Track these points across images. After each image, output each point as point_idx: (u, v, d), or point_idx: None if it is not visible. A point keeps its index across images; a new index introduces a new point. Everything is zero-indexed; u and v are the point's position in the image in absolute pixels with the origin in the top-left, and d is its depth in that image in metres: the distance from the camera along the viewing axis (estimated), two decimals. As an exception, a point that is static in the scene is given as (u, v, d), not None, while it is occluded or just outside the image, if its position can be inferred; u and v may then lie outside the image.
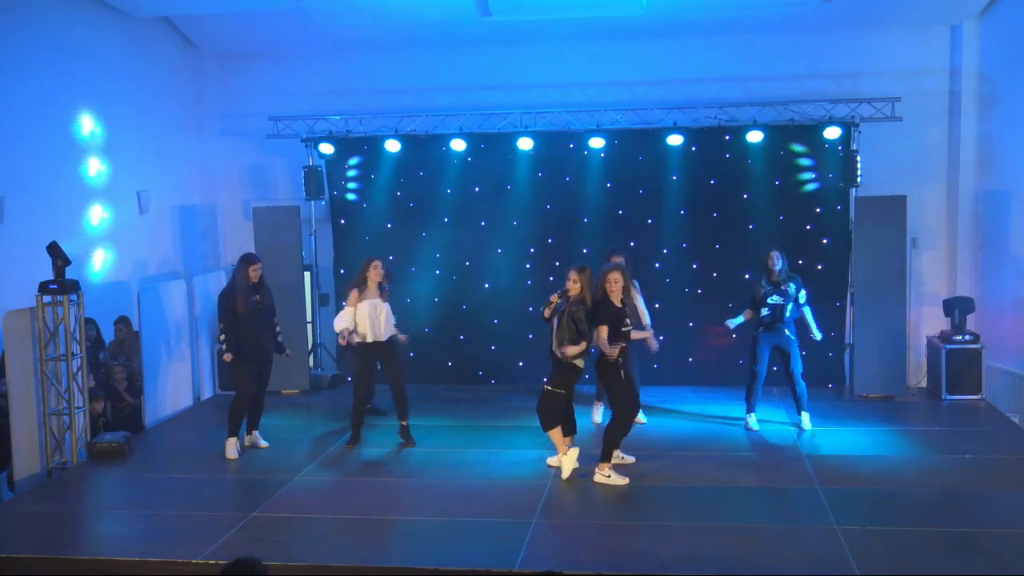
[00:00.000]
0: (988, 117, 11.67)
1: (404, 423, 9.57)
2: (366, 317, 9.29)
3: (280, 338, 9.61)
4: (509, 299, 12.23)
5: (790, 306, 9.65)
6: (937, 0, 11.43)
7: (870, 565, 6.39)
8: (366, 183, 12.52)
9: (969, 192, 11.85)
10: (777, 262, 9.66)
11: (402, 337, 9.52)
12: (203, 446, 9.66)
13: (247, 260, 9.32)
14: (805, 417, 9.86)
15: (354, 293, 9.37)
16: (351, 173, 12.54)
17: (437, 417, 10.50)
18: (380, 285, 9.41)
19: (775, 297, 9.64)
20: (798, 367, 9.74)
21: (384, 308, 9.36)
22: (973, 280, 11.87)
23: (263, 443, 9.57)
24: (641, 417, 10.18)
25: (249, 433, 9.56)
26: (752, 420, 9.88)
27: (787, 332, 9.70)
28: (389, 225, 12.48)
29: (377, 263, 9.47)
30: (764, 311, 9.68)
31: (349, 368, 11.21)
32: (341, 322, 9.39)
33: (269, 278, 11.81)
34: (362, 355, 9.42)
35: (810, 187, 11.77)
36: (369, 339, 9.32)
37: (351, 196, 12.59)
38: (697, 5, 11.47)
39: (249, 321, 9.21)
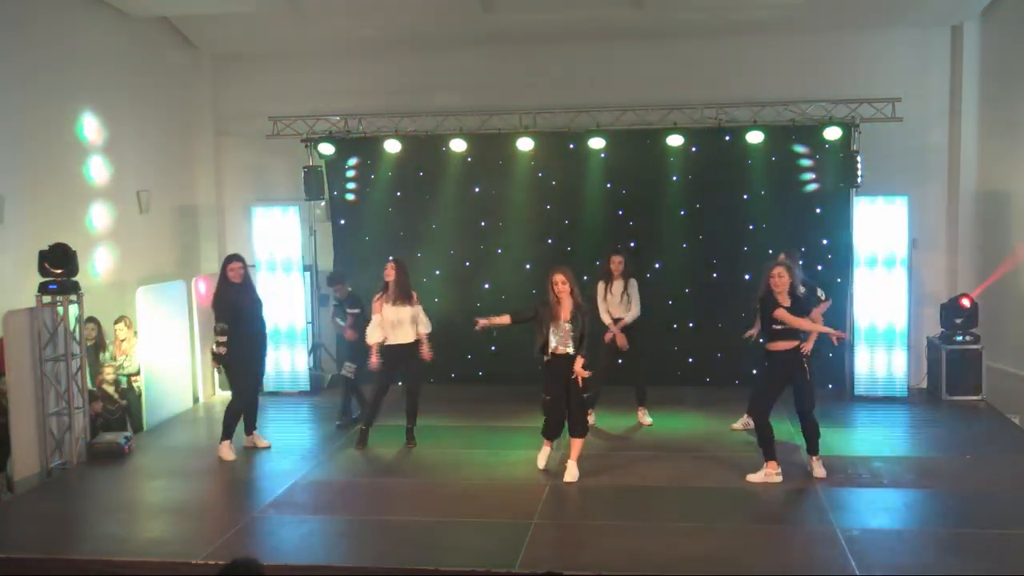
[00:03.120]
0: (988, 117, 11.66)
1: (410, 426, 9.60)
2: (387, 321, 9.32)
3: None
4: (509, 299, 12.19)
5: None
6: (937, 0, 11.43)
7: (870, 565, 6.39)
8: (366, 183, 12.52)
9: (969, 192, 11.85)
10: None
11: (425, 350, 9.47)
12: (203, 446, 9.66)
13: (227, 259, 9.35)
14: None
15: (378, 298, 9.39)
16: (351, 173, 12.54)
17: (437, 417, 10.50)
18: (399, 287, 9.35)
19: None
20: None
21: (405, 311, 9.31)
22: (973, 280, 11.86)
23: (264, 442, 9.56)
24: (647, 418, 10.19)
25: (249, 434, 9.56)
26: (740, 421, 9.88)
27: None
28: (389, 225, 12.47)
29: (389, 266, 9.44)
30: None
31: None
32: (371, 336, 9.38)
33: (269, 278, 11.92)
34: (382, 357, 9.39)
35: (810, 187, 11.76)
36: (388, 342, 9.34)
37: (351, 196, 12.59)
38: (697, 5, 11.47)
39: (247, 321, 9.20)
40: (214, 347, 9.30)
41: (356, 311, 10.34)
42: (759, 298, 8.30)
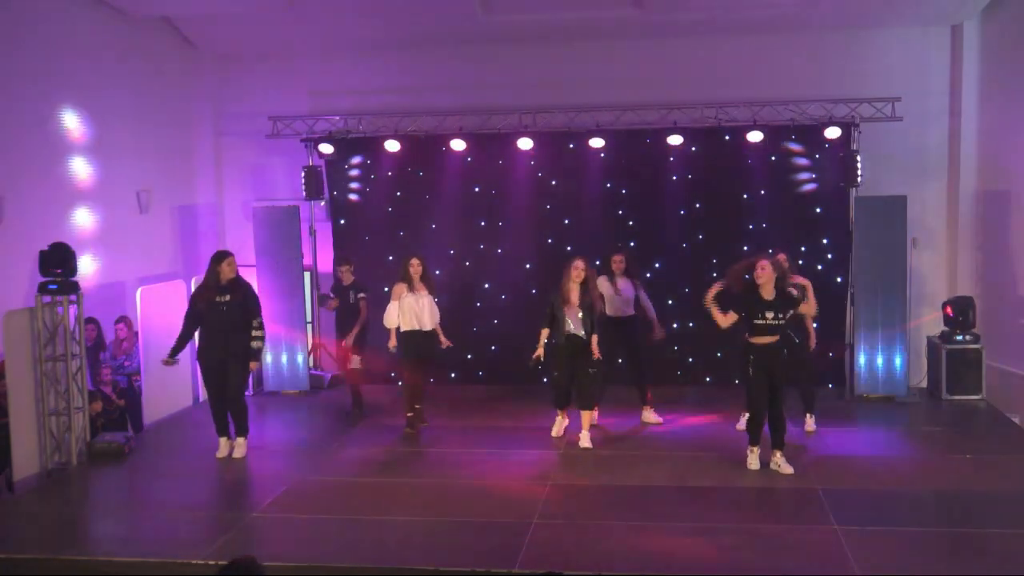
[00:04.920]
0: (988, 117, 11.66)
1: (418, 407, 9.92)
2: (408, 309, 9.70)
3: (255, 343, 9.10)
4: (509, 299, 12.23)
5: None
6: (937, 0, 11.43)
7: (870, 565, 6.39)
8: (366, 183, 12.53)
9: (969, 192, 11.85)
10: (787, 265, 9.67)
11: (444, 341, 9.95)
12: (202, 447, 9.65)
13: (218, 257, 9.15)
14: (809, 420, 9.83)
15: (400, 287, 9.80)
16: (351, 173, 12.55)
17: (438, 417, 10.50)
18: (422, 279, 9.82)
19: None
20: (803, 369, 9.67)
21: (425, 300, 9.76)
22: (973, 280, 11.86)
23: (237, 453, 9.25)
24: (655, 416, 10.18)
25: (233, 439, 9.41)
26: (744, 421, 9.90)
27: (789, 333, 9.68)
28: (389, 225, 12.47)
29: (415, 261, 9.80)
30: None
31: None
32: (387, 320, 9.82)
33: (269, 278, 11.91)
34: (406, 344, 9.77)
35: (810, 187, 11.77)
36: (409, 327, 9.72)
37: (351, 196, 12.59)
38: (697, 5, 11.47)
39: (211, 321, 9.09)
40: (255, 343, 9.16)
41: (364, 295, 10.65)
42: (738, 290, 8.36)
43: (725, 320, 8.38)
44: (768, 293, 8.24)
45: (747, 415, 9.51)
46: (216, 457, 9.22)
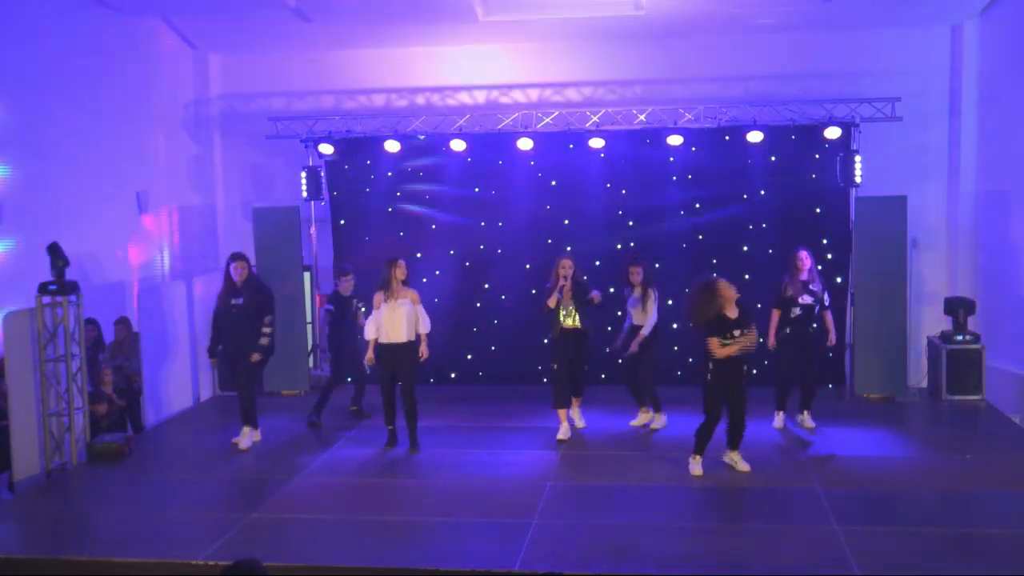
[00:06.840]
0: (988, 117, 11.67)
1: (411, 429, 9.43)
2: (383, 319, 9.29)
3: (262, 339, 9.38)
4: (509, 300, 12.23)
5: (817, 307, 9.71)
6: (937, 0, 11.43)
7: (870, 565, 6.39)
8: (366, 183, 12.52)
9: (969, 192, 11.85)
10: (807, 260, 9.68)
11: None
12: (203, 446, 9.66)
13: (230, 258, 9.56)
14: (806, 416, 9.87)
15: (377, 296, 9.36)
16: (351, 173, 12.54)
17: (437, 417, 10.50)
18: (404, 284, 9.38)
19: (806, 297, 9.63)
20: (814, 366, 9.78)
21: (402, 310, 9.26)
22: (973, 280, 11.86)
23: (242, 444, 9.50)
24: (658, 421, 10.15)
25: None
26: (779, 419, 9.94)
27: (810, 330, 9.72)
28: (389, 225, 12.47)
29: (401, 263, 9.43)
30: (796, 311, 9.64)
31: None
32: (369, 331, 9.44)
33: (269, 279, 11.88)
34: (379, 357, 9.39)
35: (810, 187, 11.77)
36: (383, 340, 9.31)
37: (351, 196, 12.59)
38: (697, 5, 11.47)
39: (225, 322, 9.45)
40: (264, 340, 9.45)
41: (363, 306, 10.47)
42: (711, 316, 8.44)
43: (725, 350, 8.30)
44: (732, 312, 8.34)
45: (779, 413, 9.93)
46: (239, 448, 9.43)
